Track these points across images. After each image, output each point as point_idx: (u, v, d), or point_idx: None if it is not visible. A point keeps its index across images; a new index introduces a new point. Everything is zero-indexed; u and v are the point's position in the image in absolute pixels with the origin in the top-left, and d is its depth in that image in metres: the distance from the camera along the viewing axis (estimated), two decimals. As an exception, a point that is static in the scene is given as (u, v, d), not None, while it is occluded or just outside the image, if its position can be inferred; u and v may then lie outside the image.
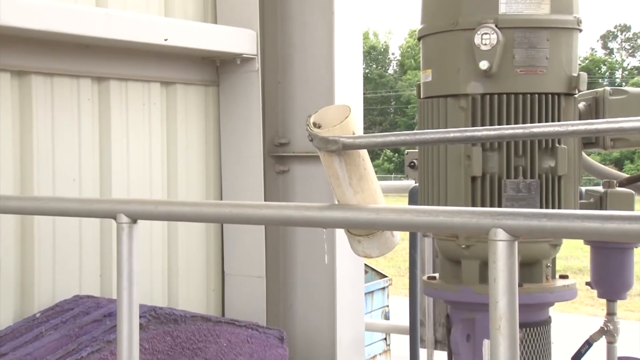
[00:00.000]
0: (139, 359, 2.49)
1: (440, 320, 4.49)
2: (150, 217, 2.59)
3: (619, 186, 3.11)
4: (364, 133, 4.62)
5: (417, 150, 3.11)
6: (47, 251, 3.75)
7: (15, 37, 3.55)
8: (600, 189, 3.11)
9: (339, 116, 2.12)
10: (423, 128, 2.92)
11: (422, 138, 2.16)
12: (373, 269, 10.76)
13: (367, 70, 60.15)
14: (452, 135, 2.08)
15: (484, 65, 2.68)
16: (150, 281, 4.17)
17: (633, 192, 3.08)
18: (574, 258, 17.30)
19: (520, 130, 2.00)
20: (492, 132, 2.01)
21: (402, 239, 2.37)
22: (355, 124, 2.11)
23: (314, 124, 2.10)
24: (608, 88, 2.96)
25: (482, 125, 2.75)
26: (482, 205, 2.73)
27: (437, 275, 3.06)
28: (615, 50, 64.68)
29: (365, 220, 2.13)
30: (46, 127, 3.75)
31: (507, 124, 2.73)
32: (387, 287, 10.62)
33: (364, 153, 2.17)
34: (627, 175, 3.31)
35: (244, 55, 4.32)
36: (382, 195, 2.26)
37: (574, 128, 1.96)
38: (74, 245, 3.85)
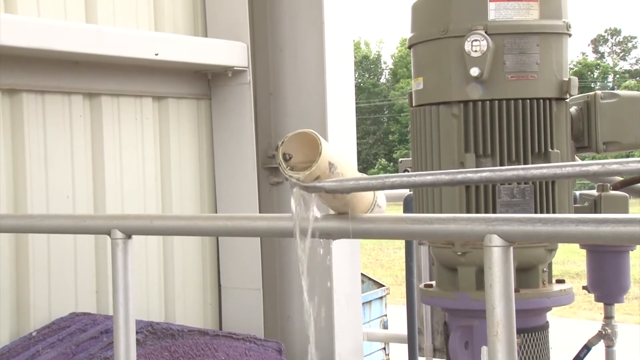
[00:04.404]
0: (136, 375, 2.48)
1: (438, 328, 4.49)
2: (144, 232, 2.58)
3: (613, 189, 3.11)
4: (357, 142, 4.63)
5: (410, 159, 3.11)
6: (42, 269, 3.73)
7: (5, 56, 3.54)
8: (594, 192, 3.12)
9: (309, 145, 1.94)
10: (416, 136, 2.93)
11: (413, 180, 2.02)
12: (370, 279, 10.74)
13: (359, 80, 60.19)
14: (446, 177, 1.93)
15: (474, 72, 2.69)
16: (146, 296, 4.15)
17: (627, 195, 3.09)
18: (570, 263, 17.29)
19: (514, 173, 1.88)
20: (484, 174, 1.90)
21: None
22: (330, 154, 1.96)
23: (284, 156, 1.95)
24: (599, 92, 2.97)
25: (475, 131, 2.75)
26: (477, 212, 2.72)
27: (434, 283, 3.06)
28: (606, 54, 64.86)
29: (361, 229, 2.13)
30: (38, 144, 3.74)
31: (499, 130, 2.74)
32: (385, 296, 10.60)
33: (343, 163, 2.03)
34: (621, 179, 3.31)
35: (235, 68, 4.32)
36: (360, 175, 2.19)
37: (569, 170, 1.81)
38: (69, 262, 3.84)
